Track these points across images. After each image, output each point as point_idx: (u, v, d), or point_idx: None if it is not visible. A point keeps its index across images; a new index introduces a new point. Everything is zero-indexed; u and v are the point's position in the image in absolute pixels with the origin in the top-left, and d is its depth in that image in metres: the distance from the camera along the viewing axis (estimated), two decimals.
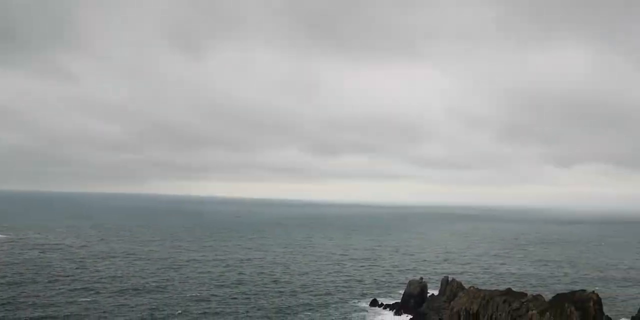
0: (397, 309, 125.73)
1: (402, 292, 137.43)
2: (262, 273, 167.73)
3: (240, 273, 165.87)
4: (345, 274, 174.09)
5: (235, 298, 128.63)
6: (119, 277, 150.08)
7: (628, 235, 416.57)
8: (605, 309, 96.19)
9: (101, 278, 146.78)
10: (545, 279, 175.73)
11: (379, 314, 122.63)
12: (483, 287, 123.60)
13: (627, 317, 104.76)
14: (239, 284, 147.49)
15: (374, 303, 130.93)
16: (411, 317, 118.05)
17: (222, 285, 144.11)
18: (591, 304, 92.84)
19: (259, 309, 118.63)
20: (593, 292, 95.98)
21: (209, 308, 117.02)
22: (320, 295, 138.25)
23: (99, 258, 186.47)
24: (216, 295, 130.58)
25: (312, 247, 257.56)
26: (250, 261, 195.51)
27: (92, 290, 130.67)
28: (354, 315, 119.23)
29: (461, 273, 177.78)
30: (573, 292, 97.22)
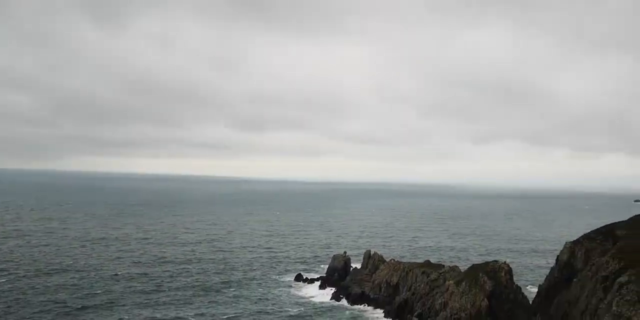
0: (322, 282, 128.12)
1: (326, 266, 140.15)
2: (186, 251, 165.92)
3: (162, 251, 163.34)
4: (271, 251, 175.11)
5: (158, 277, 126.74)
6: (34, 256, 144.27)
7: (540, 209, 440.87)
8: (515, 278, 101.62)
9: (15, 258, 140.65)
10: (461, 251, 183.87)
11: (303, 288, 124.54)
12: (403, 260, 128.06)
13: (534, 285, 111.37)
14: (162, 262, 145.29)
15: (299, 278, 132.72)
16: (335, 290, 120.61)
17: (144, 264, 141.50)
18: (503, 273, 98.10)
19: (182, 287, 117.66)
20: (505, 262, 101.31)
21: (130, 287, 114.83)
22: (245, 271, 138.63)
23: (11, 237, 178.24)
24: (139, 274, 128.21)
25: (238, 224, 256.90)
26: (174, 239, 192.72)
27: (5, 270, 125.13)
28: (278, 290, 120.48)
29: (383, 247, 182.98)
30: (486, 263, 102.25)
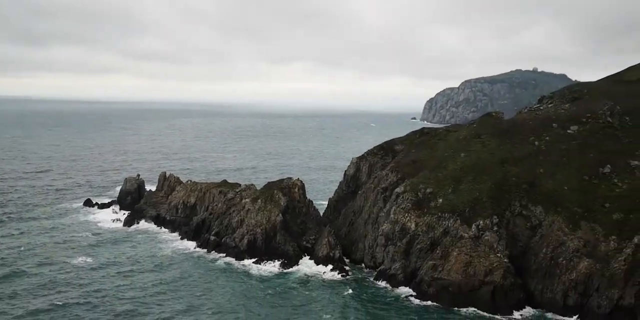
0: (114, 206, 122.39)
1: (118, 190, 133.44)
2: None
3: None
4: (58, 176, 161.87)
5: None
6: None
7: (331, 127, 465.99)
8: (308, 193, 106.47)
9: None
10: (258, 170, 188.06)
11: (93, 213, 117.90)
12: (201, 181, 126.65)
13: (325, 199, 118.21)
14: None
15: (88, 203, 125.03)
16: (128, 213, 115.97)
17: None
18: (296, 189, 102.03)
19: None
20: (297, 179, 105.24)
21: None
22: (26, 204, 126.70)
23: None
24: None
25: (13, 147, 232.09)
26: None
27: None
28: (66, 218, 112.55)
29: (179, 168, 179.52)
30: (281, 180, 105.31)
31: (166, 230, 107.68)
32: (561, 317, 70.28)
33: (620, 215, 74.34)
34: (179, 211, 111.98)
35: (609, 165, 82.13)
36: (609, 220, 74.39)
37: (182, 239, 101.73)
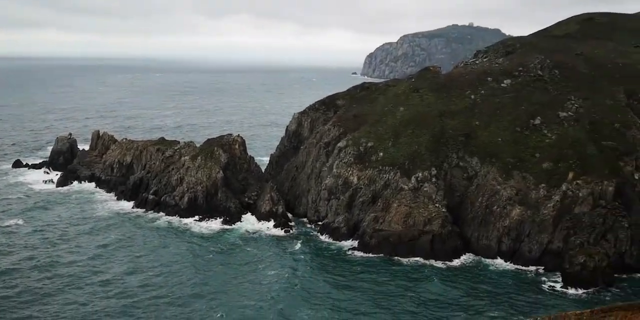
0: (46, 166, 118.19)
1: (49, 150, 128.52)
2: None
3: None
4: None
5: None
6: None
7: (273, 82, 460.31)
8: (249, 150, 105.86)
9: None
10: (198, 127, 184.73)
11: (23, 174, 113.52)
12: (138, 139, 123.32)
13: (267, 155, 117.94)
14: None
15: (18, 164, 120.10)
16: (61, 173, 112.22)
17: None
18: (237, 146, 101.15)
19: None
20: (238, 135, 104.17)
21: None
22: None
23: None
24: None
25: None
26: None
27: None
28: None
29: (115, 127, 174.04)
30: (221, 137, 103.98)
31: (102, 190, 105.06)
32: (496, 261, 73.80)
33: (549, 164, 77.68)
34: (115, 170, 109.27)
35: (539, 117, 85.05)
36: (539, 169, 77.71)
37: (119, 199, 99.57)
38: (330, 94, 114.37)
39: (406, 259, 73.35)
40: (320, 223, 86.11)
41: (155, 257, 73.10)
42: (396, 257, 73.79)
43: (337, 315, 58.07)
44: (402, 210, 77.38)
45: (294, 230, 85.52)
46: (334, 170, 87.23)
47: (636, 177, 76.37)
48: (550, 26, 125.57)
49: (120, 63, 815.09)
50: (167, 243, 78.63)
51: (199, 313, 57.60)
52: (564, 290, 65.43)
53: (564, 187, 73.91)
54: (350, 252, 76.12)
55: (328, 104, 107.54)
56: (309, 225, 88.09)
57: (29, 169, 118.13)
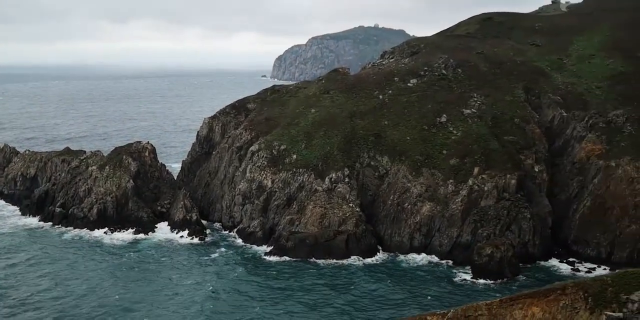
0: None
1: None
2: None
3: None
4: None
5: None
6: None
7: (180, 87, 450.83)
8: (159, 157, 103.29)
9: None
10: (105, 135, 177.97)
11: None
12: (41, 150, 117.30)
13: (178, 162, 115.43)
14: None
15: None
16: None
17: None
18: (147, 153, 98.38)
19: None
20: (148, 142, 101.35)
21: None
22: None
23: None
24: None
25: None
26: None
27: None
28: None
29: (15, 138, 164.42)
30: (130, 144, 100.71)
31: (5, 205, 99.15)
32: (409, 257, 75.91)
33: (456, 160, 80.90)
34: (18, 184, 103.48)
35: (445, 115, 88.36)
36: (447, 165, 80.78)
37: (23, 214, 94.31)
38: (240, 97, 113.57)
39: (322, 261, 73.83)
40: (235, 229, 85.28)
41: (63, 274, 69.44)
42: (312, 259, 74.21)
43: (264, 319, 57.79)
44: (317, 211, 78.02)
45: (209, 237, 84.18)
46: (248, 174, 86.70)
47: (536, 170, 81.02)
48: (452, 26, 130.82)
49: (17, 71, 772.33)
50: (75, 258, 75.05)
51: None
52: (474, 281, 68.32)
53: (470, 182, 77.17)
54: (265, 256, 75.85)
55: (239, 108, 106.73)
56: (224, 231, 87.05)
57: None
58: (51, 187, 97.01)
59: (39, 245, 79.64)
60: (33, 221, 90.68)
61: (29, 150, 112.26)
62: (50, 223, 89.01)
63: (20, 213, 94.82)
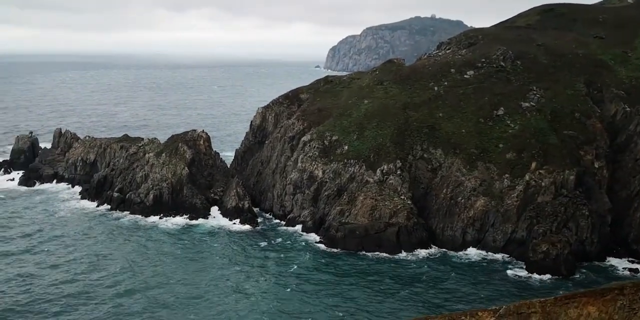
0: (6, 166, 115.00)
1: (9, 149, 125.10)
2: None
3: None
4: None
5: None
6: None
7: (235, 77, 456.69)
8: (213, 145, 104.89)
9: None
10: (161, 123, 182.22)
11: None
12: (100, 136, 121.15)
13: (231, 152, 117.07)
14: None
15: None
16: (22, 172, 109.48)
17: None
18: (202, 141, 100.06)
19: None
20: (202, 130, 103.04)
21: None
22: None
23: None
24: None
25: None
26: None
27: None
28: None
29: (76, 124, 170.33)
30: (185, 133, 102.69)
31: (65, 188, 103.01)
32: (461, 252, 74.72)
33: (512, 154, 78.85)
34: (78, 169, 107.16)
35: (502, 108, 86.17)
36: (503, 159, 78.82)
37: (82, 197, 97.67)
38: (293, 87, 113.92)
39: (370, 254, 73.44)
40: (286, 217, 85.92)
41: (119, 255, 71.72)
42: (361, 251, 73.88)
43: (331, 310, 58.14)
44: (367, 203, 77.66)
45: (260, 225, 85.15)
46: (299, 164, 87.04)
47: (596, 166, 78.16)
48: (511, 17, 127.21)
49: (80, 59, 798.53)
50: (131, 241, 77.40)
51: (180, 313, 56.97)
52: (528, 278, 66.73)
53: (527, 177, 75.16)
54: (315, 246, 76.11)
55: (292, 98, 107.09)
56: (275, 220, 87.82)
57: None
58: (109, 172, 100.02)
59: (95, 227, 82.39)
60: (91, 205, 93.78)
61: (89, 136, 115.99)
62: (108, 207, 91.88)
63: (79, 196, 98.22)
